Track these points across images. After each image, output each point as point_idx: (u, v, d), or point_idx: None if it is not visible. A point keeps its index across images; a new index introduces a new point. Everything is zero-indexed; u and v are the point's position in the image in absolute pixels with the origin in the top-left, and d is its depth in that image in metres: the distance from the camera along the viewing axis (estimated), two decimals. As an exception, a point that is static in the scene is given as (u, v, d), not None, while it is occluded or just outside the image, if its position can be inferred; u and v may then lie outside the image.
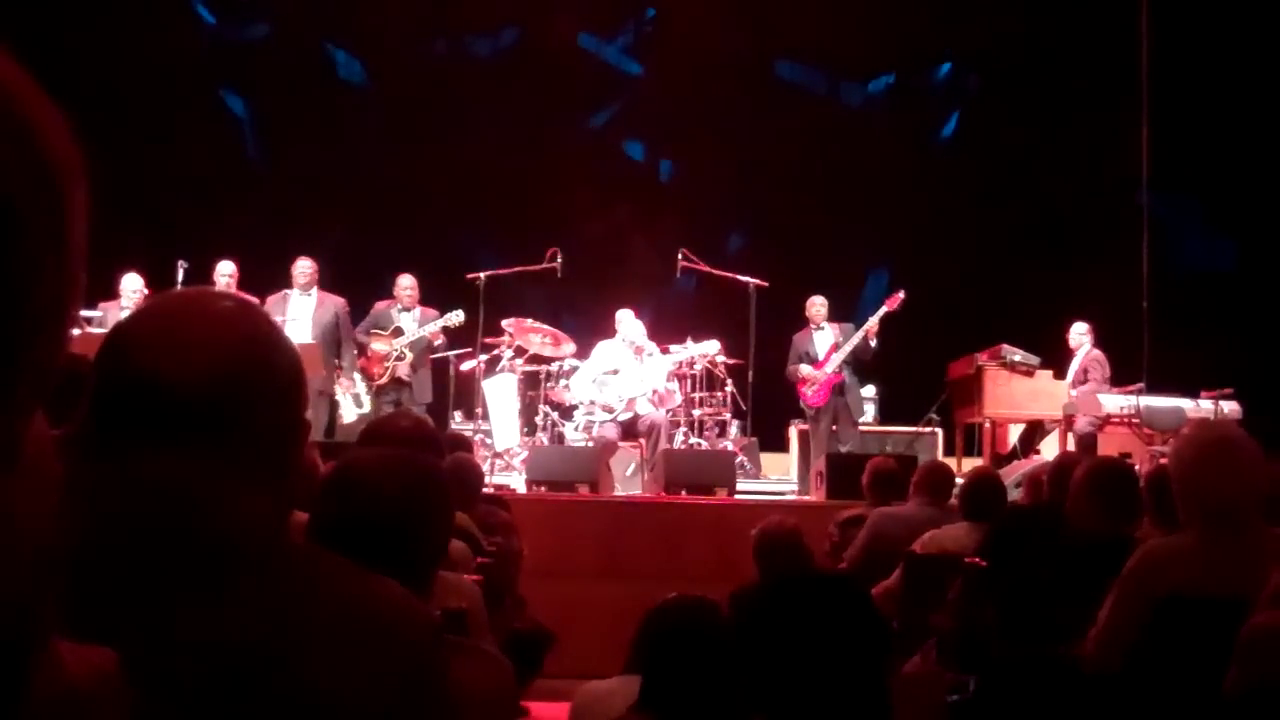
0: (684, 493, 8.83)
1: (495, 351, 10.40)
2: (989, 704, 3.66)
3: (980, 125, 13.13)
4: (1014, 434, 10.98)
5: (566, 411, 10.19)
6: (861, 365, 10.35)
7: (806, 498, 9.49)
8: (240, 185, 12.38)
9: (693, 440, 10.29)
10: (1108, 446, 9.40)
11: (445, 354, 10.32)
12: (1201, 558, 3.12)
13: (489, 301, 10.16)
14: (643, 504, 8.85)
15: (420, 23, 12.93)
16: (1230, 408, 9.68)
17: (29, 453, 0.73)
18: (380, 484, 1.92)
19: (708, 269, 10.92)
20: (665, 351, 10.16)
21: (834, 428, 10.10)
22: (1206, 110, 11.98)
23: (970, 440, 11.00)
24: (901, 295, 10.18)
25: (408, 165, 12.47)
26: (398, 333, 9.74)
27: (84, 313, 7.23)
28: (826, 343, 10.22)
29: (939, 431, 11.07)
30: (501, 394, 10.33)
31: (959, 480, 6.28)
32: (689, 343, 10.22)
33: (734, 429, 10.65)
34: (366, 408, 9.55)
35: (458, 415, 10.55)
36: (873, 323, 10.09)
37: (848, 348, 10.09)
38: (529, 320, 10.40)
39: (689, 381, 10.46)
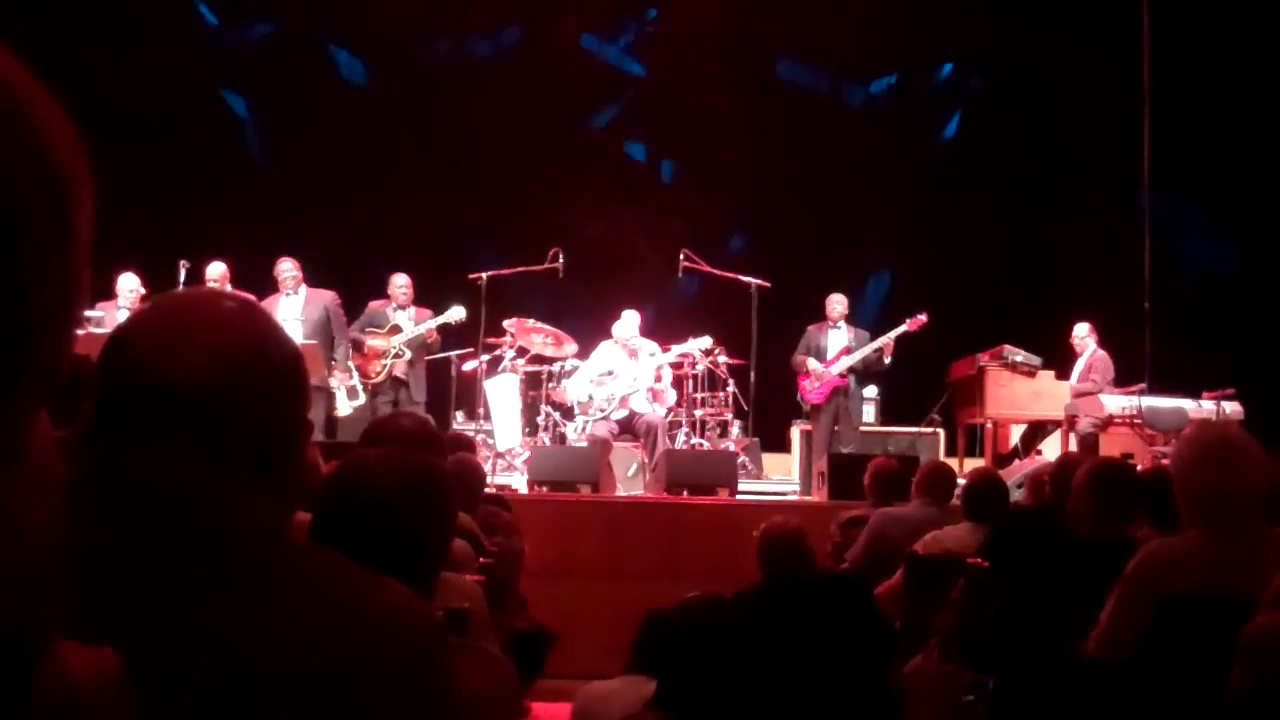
0: (686, 493, 8.83)
1: (497, 352, 10.40)
2: (1007, 703, 3.65)
3: (982, 126, 13.13)
4: (1015, 434, 10.98)
5: (568, 412, 10.20)
6: (869, 376, 10.37)
7: (808, 498, 9.49)
8: (242, 185, 12.38)
9: (694, 440, 10.29)
10: (1110, 447, 9.39)
11: (447, 354, 10.33)
12: (1203, 558, 3.12)
13: (491, 302, 10.15)
14: (644, 504, 8.85)
15: (422, 23, 12.93)
16: (1232, 408, 9.68)
17: (33, 453, 0.73)
18: (383, 485, 1.92)
19: (710, 269, 10.92)
20: (665, 350, 10.18)
21: (835, 428, 10.10)
22: (1208, 111, 11.97)
23: (972, 441, 11.01)
24: (924, 318, 10.13)
25: (410, 165, 12.47)
26: (395, 330, 9.74)
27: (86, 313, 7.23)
28: (839, 343, 10.23)
29: (940, 432, 11.06)
30: (503, 394, 10.34)
31: (960, 481, 6.28)
32: (690, 341, 10.25)
33: (736, 429, 10.65)
34: (361, 399, 9.56)
35: (459, 415, 10.56)
36: (889, 339, 10.08)
37: (858, 355, 10.10)
38: (531, 320, 10.41)
39: (691, 382, 10.46)
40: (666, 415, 10.10)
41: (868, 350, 10.09)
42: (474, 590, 3.02)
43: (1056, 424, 10.45)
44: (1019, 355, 10.49)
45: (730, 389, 10.48)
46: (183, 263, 9.47)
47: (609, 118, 13.60)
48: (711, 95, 12.65)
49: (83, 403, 1.14)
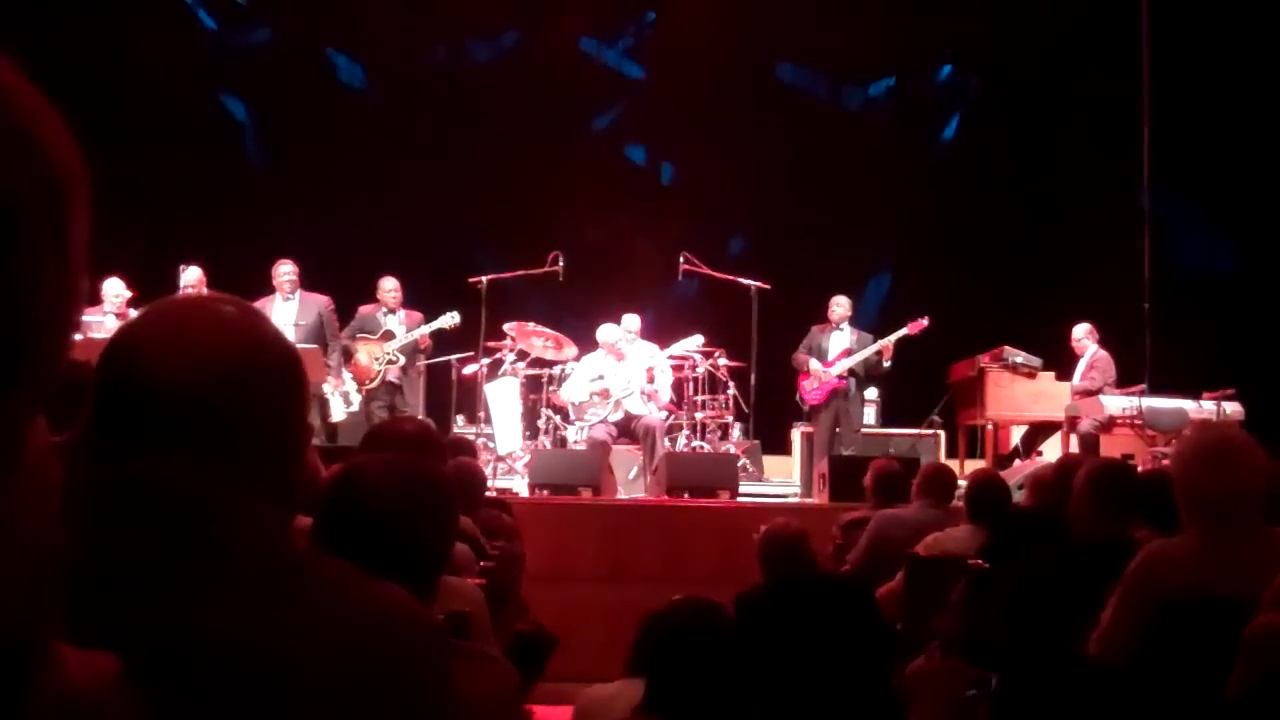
0: (686, 496, 8.83)
1: (497, 355, 10.40)
2: (1010, 700, 3.65)
3: (981, 127, 13.14)
4: (1016, 436, 10.98)
5: (568, 415, 10.20)
6: (870, 378, 10.37)
7: (809, 500, 9.50)
8: (241, 190, 12.38)
9: (695, 443, 10.29)
10: (1110, 448, 9.39)
11: (447, 358, 10.32)
12: (1203, 559, 3.12)
13: (491, 305, 10.16)
14: (645, 507, 8.85)
15: (421, 27, 12.94)
16: (1232, 408, 9.67)
17: (31, 458, 0.73)
18: (384, 489, 1.92)
19: (709, 272, 10.92)
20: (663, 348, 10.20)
21: (836, 430, 10.10)
22: (1207, 112, 11.98)
23: (973, 442, 11.01)
24: (925, 322, 10.13)
25: (410, 169, 12.48)
26: (388, 336, 9.70)
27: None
28: (841, 345, 10.22)
29: (941, 433, 11.06)
30: (503, 398, 10.34)
31: (961, 483, 6.27)
32: (680, 341, 10.26)
33: (736, 432, 10.66)
34: (355, 406, 9.53)
35: (460, 419, 10.56)
36: (888, 342, 10.08)
37: (858, 357, 10.10)
38: (531, 324, 10.41)
39: (691, 385, 10.47)
40: (666, 418, 10.10)
41: (868, 352, 10.09)
42: (475, 594, 3.02)
43: (1057, 425, 10.45)
44: (1019, 356, 10.50)
45: (731, 392, 10.48)
46: (181, 267, 9.44)
47: (608, 121, 13.61)
48: (711, 98, 12.66)
49: (80, 407, 1.14)
